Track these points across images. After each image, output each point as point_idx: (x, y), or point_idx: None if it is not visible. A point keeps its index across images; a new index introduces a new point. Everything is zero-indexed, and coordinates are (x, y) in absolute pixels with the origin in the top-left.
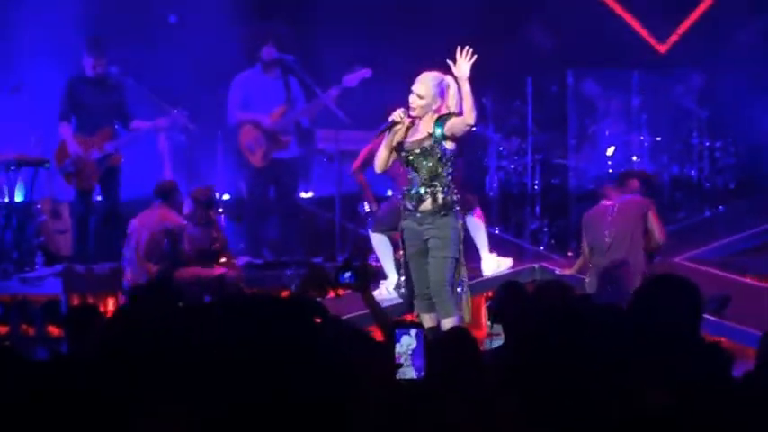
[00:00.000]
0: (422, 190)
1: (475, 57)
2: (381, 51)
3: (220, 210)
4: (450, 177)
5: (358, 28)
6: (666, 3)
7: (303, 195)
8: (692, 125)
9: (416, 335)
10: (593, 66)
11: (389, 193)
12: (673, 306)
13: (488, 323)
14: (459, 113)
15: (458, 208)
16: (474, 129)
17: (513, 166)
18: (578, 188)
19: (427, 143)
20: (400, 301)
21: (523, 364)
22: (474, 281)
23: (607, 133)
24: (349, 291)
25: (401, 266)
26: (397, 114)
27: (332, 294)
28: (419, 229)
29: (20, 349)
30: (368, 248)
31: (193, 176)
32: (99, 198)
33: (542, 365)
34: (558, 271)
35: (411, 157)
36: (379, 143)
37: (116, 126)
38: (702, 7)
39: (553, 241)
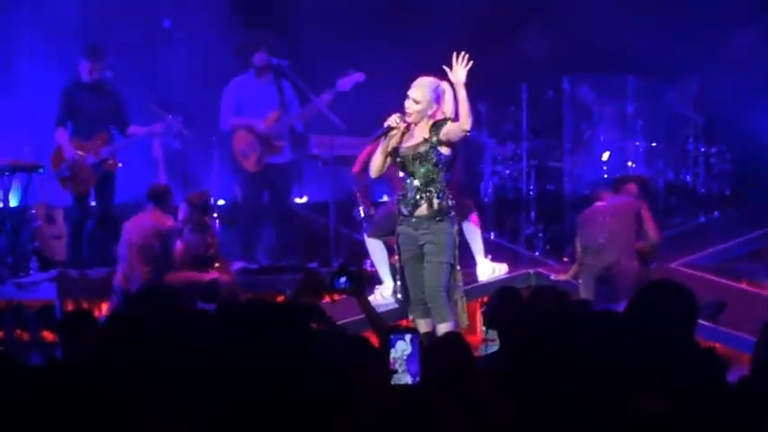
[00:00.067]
0: (417, 195)
1: (471, 62)
2: (376, 56)
3: (215, 215)
4: (445, 182)
5: (352, 32)
6: None
7: (298, 200)
8: (688, 131)
9: (411, 340)
10: (588, 71)
11: (385, 198)
12: (668, 311)
13: (483, 329)
14: (455, 119)
15: (453, 213)
16: (469, 134)
17: (508, 172)
18: (573, 194)
19: (423, 148)
20: (396, 306)
21: (519, 369)
22: (469, 286)
23: (602, 139)
24: (344, 296)
25: (397, 272)
26: (393, 119)
27: (327, 299)
28: (415, 235)
29: (14, 354)
30: (363, 253)
31: (188, 182)
32: (93, 203)
33: (538, 371)
34: (553, 276)
35: (406, 163)
36: (377, 147)
37: (112, 131)
38: None
39: (548, 247)
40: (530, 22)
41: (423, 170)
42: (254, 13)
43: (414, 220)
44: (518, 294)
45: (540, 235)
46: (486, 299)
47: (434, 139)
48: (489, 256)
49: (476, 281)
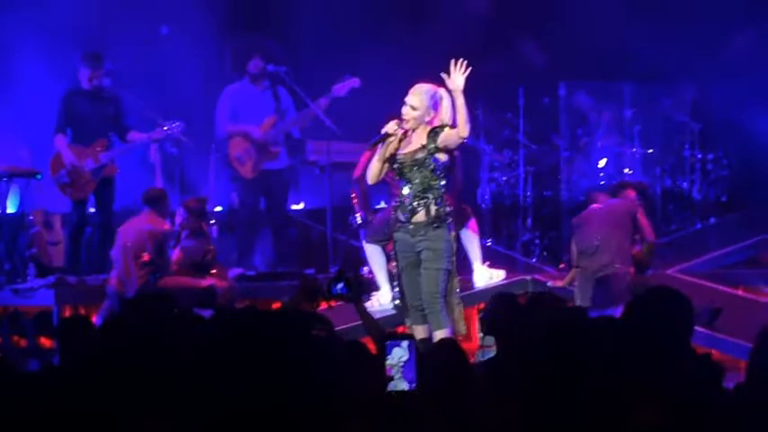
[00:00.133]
0: (415, 202)
1: (469, 69)
2: (373, 62)
3: (212, 221)
4: (443, 189)
5: (348, 38)
6: None
7: (295, 207)
8: (685, 137)
9: (408, 347)
10: (585, 78)
11: (383, 204)
12: (664, 318)
13: (480, 335)
14: (453, 126)
15: (450, 220)
16: (466, 141)
17: (505, 178)
18: (570, 200)
19: (420, 155)
20: (393, 312)
21: (516, 376)
22: (466, 293)
23: (599, 145)
24: (341, 302)
25: (394, 278)
26: (391, 126)
27: (324, 306)
28: (412, 241)
29: (11, 361)
30: (360, 260)
31: (185, 187)
32: (92, 210)
33: (535, 378)
34: (549, 283)
35: (404, 169)
36: (375, 153)
37: (112, 138)
38: None
39: (545, 253)
40: (527, 29)
41: (420, 177)
42: (250, 19)
43: (411, 226)
44: (515, 301)
45: (537, 242)
46: (482, 305)
47: (432, 145)
48: (486, 263)
49: (473, 287)
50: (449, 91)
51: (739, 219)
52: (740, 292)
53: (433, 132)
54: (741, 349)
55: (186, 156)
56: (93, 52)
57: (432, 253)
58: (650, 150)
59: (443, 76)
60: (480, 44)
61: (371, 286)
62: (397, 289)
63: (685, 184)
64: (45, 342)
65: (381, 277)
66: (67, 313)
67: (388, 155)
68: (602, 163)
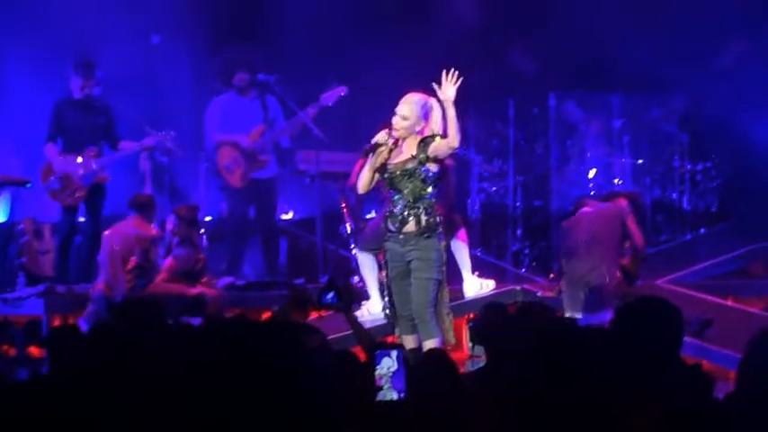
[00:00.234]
0: (405, 212)
1: (460, 80)
2: (363, 73)
3: (202, 231)
4: (433, 199)
5: (338, 47)
6: None
7: (284, 216)
8: (674, 148)
9: (397, 357)
10: (574, 89)
11: (373, 213)
12: (654, 328)
13: (470, 345)
14: (444, 136)
15: (440, 230)
16: (457, 151)
17: (494, 188)
18: (560, 210)
19: (411, 165)
20: (383, 321)
21: (506, 385)
22: (456, 302)
23: (589, 155)
24: (332, 312)
25: (384, 287)
26: (381, 136)
27: (315, 315)
28: (402, 251)
29: (0, 370)
30: (350, 269)
31: (175, 196)
32: (82, 219)
33: (525, 387)
34: (539, 293)
35: (394, 179)
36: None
37: (103, 146)
38: None
39: (534, 263)
40: (516, 39)
41: (410, 187)
42: (239, 28)
43: (401, 236)
44: (505, 310)
45: (527, 251)
46: (472, 315)
47: (422, 155)
48: (476, 273)
49: (462, 297)
50: (440, 101)
51: (729, 229)
52: (730, 303)
53: (424, 142)
54: (731, 360)
55: (176, 164)
56: (85, 61)
57: (422, 263)
58: (640, 161)
59: (434, 86)
60: (470, 55)
61: (362, 295)
62: (387, 298)
63: (675, 194)
64: (34, 351)
65: (372, 286)
66: (57, 322)
67: (378, 164)
68: (591, 173)
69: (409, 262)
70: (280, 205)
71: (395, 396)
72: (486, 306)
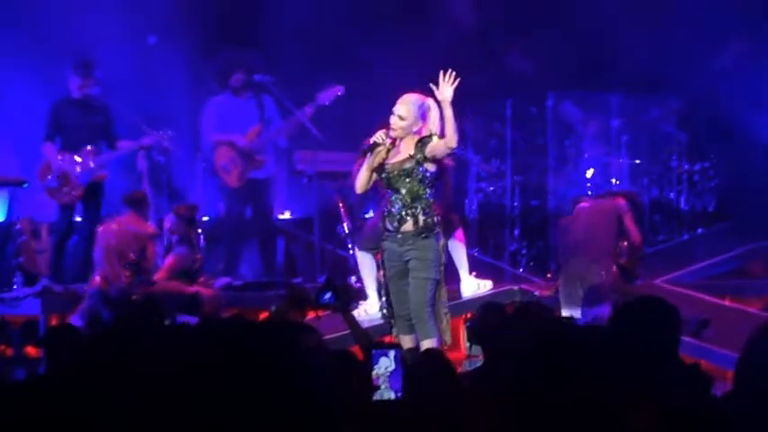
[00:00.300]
0: (403, 211)
1: (458, 81)
2: (360, 73)
3: (199, 230)
4: (431, 199)
5: (334, 50)
6: None
7: (281, 216)
8: (672, 148)
9: (395, 356)
10: (572, 89)
11: (371, 213)
12: (652, 327)
13: (467, 345)
14: (441, 136)
15: (438, 229)
16: (455, 151)
17: (492, 188)
18: (557, 210)
19: (408, 165)
20: (380, 321)
21: (503, 385)
22: (453, 302)
23: (586, 155)
24: (329, 311)
25: (382, 287)
26: (379, 136)
27: (312, 315)
28: (399, 251)
29: None
30: (347, 269)
31: (172, 196)
32: (79, 219)
33: (522, 387)
34: (537, 293)
35: (392, 179)
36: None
37: (101, 146)
38: None
39: (532, 263)
40: (514, 39)
41: (408, 187)
42: (234, 29)
43: (399, 236)
44: (503, 310)
45: (524, 251)
46: (470, 315)
47: (420, 155)
48: (474, 273)
49: (460, 297)
50: (437, 102)
51: (726, 229)
52: (727, 303)
53: (421, 142)
54: (728, 359)
55: (173, 164)
56: (83, 60)
57: (420, 263)
58: (637, 161)
59: (432, 86)
60: (469, 55)
61: (359, 295)
62: (384, 298)
63: (672, 194)
64: (31, 351)
65: (370, 286)
66: (54, 322)
67: (376, 164)
68: (589, 173)
69: (407, 262)
70: (277, 205)
71: (392, 396)
72: (484, 306)
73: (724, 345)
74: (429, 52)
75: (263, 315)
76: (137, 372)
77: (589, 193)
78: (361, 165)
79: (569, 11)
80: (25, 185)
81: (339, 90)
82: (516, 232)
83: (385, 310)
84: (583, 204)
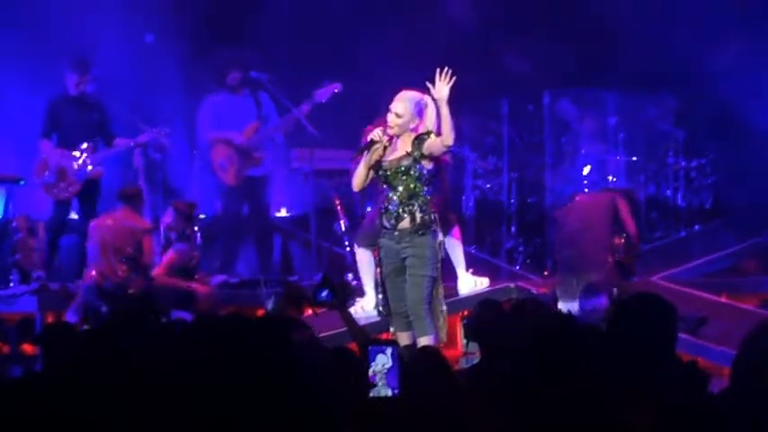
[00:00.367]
0: (400, 209)
1: (454, 79)
2: (356, 71)
3: (196, 228)
4: (428, 196)
5: (330, 48)
6: None
7: (278, 214)
8: (668, 145)
9: (391, 353)
10: (569, 86)
11: (369, 209)
12: (649, 325)
13: (464, 342)
14: (438, 133)
15: (435, 227)
16: (451, 149)
17: (488, 186)
18: (554, 207)
19: (405, 162)
20: (377, 318)
21: (500, 382)
22: (450, 300)
23: (583, 152)
24: (326, 309)
25: (379, 284)
26: (376, 133)
27: (309, 312)
28: (397, 248)
29: None
30: (344, 266)
31: (168, 194)
32: (75, 216)
33: (519, 384)
34: (534, 290)
35: (389, 176)
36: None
37: (98, 143)
38: None
39: (529, 260)
40: (511, 37)
41: (405, 184)
42: (230, 27)
43: (396, 233)
44: (499, 307)
45: (521, 249)
46: (466, 312)
47: (417, 153)
48: (470, 270)
49: (456, 294)
50: (434, 100)
51: (723, 226)
52: (724, 300)
53: (418, 140)
54: (726, 357)
55: (169, 161)
56: (80, 58)
57: (417, 260)
58: (634, 158)
59: (428, 85)
60: (465, 53)
61: (356, 292)
62: (381, 295)
63: (669, 191)
64: (28, 348)
65: (368, 283)
66: (50, 320)
67: (373, 161)
68: (586, 170)
69: (404, 259)
70: (274, 203)
71: (388, 393)
72: (481, 303)
73: (720, 342)
74: (425, 50)
75: (259, 313)
76: (134, 369)
77: (586, 190)
78: (358, 163)
79: (566, 9)
80: (22, 183)
81: (336, 87)
82: (513, 229)
83: (381, 308)
84: (579, 197)
